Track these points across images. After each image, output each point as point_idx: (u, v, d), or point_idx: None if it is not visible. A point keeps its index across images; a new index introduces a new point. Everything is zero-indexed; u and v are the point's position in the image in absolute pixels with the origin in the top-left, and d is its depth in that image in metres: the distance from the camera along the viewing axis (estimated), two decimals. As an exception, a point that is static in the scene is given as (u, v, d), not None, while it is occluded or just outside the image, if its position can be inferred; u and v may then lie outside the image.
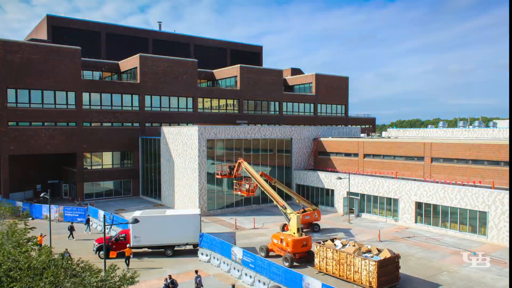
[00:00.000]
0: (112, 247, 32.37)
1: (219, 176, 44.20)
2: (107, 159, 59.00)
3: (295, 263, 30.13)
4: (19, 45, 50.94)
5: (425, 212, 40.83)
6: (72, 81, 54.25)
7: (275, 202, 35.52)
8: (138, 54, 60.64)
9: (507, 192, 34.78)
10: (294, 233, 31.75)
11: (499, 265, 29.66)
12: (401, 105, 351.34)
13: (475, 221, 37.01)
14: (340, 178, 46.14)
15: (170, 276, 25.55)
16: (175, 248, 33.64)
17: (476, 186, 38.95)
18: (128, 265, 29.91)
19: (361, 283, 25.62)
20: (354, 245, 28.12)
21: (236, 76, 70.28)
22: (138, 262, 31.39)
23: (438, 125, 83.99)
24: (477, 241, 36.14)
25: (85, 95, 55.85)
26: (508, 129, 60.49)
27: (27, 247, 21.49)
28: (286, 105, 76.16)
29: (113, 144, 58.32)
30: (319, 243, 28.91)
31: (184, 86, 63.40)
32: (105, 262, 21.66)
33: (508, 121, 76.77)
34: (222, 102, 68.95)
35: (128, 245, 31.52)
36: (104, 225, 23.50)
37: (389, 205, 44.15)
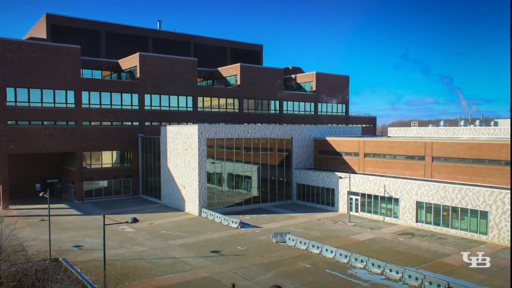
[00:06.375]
0: None
1: None
2: (107, 158, 58.84)
3: None
4: (19, 44, 50.76)
5: (426, 211, 40.65)
6: (72, 80, 54.07)
7: None
8: (138, 53, 60.44)
9: (508, 191, 34.63)
10: None
11: (499, 264, 29.49)
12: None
13: (476, 220, 36.85)
14: (341, 178, 45.94)
15: None
16: None
17: (477, 185, 38.76)
18: None
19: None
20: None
21: (236, 75, 70.11)
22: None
23: (439, 124, 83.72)
24: (478, 241, 35.98)
25: (85, 94, 55.68)
26: (509, 128, 60.30)
27: None
28: (287, 104, 75.98)
29: (113, 143, 58.16)
30: None
31: (184, 85, 63.21)
32: None
33: (509, 120, 76.55)
34: (222, 101, 68.78)
35: None
36: (104, 224, 23.34)
37: (390, 205, 43.99)
